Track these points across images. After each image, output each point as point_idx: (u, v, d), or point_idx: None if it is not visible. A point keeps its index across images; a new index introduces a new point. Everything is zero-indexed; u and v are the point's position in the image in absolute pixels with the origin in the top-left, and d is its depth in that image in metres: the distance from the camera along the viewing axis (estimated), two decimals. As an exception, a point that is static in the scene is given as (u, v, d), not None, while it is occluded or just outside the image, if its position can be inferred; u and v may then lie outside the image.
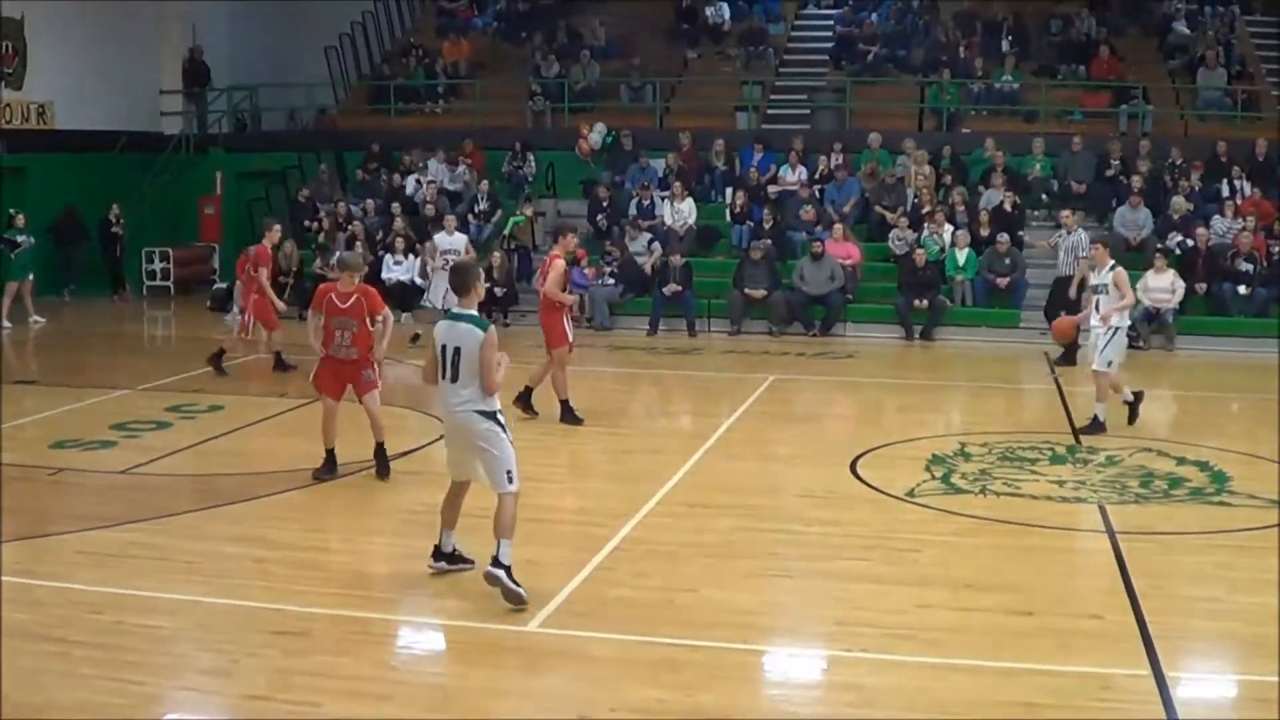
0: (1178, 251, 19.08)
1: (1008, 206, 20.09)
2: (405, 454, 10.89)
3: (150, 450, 11.41)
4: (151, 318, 22.30)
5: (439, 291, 18.58)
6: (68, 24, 22.86)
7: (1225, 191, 20.21)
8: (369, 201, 22.26)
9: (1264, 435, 12.14)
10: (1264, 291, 18.48)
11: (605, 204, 21.67)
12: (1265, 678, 6.46)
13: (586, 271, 20.18)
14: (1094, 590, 7.92)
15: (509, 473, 7.44)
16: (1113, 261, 12.49)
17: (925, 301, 19.06)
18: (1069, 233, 17.89)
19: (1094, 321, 12.39)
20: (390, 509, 9.64)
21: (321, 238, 21.46)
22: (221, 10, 27.16)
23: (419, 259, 20.10)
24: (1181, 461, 11.19)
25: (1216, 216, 19.66)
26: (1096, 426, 12.27)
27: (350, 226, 21.30)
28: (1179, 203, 19.81)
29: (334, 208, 22.04)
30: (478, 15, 28.17)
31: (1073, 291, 15.41)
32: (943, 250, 19.66)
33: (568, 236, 12.99)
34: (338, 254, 20.61)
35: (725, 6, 26.33)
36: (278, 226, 16.36)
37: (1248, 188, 20.16)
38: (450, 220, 19.54)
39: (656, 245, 20.44)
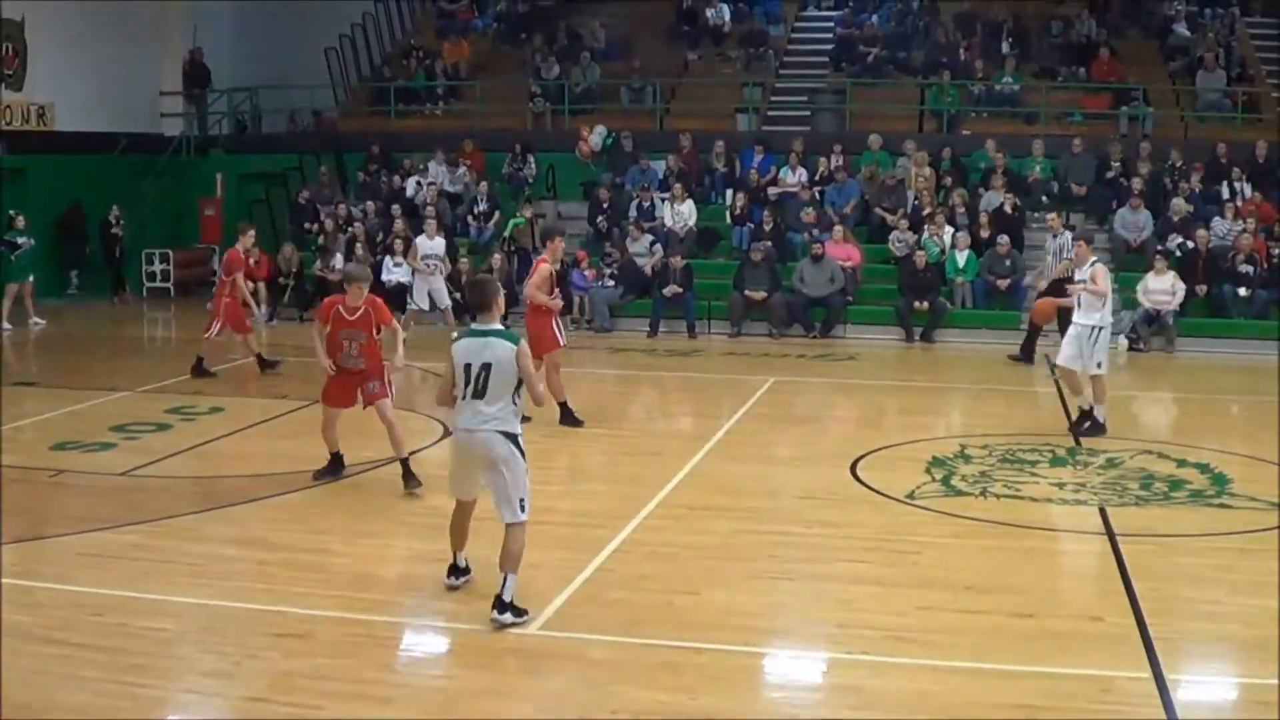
0: (1178, 253, 19.09)
1: (1008, 208, 20.10)
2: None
3: (151, 452, 11.41)
4: (152, 319, 22.30)
5: (422, 292, 18.66)
6: (68, 26, 22.85)
7: (1225, 193, 20.23)
8: (369, 203, 22.26)
9: (1264, 438, 12.13)
10: (1264, 293, 18.49)
11: (605, 206, 21.68)
12: (1266, 680, 6.46)
13: (586, 273, 20.20)
14: (1094, 592, 7.92)
15: (522, 500, 7.20)
16: (1094, 259, 12.44)
17: (925, 303, 19.07)
18: (1055, 236, 17.89)
19: (1075, 318, 12.34)
20: (391, 511, 9.64)
21: (321, 240, 21.46)
22: (222, 12, 27.20)
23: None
24: (1182, 464, 11.19)
25: (1217, 218, 19.67)
26: (1096, 428, 12.27)
27: (351, 228, 21.32)
28: (1179, 205, 19.83)
29: (334, 209, 22.05)
30: (478, 17, 28.17)
31: (1041, 283, 15.56)
32: (943, 252, 19.67)
33: (556, 240, 12.95)
34: (340, 263, 20.69)
35: (725, 8, 26.34)
36: (251, 230, 16.36)
37: (1248, 190, 20.18)
38: (431, 224, 19.65)
39: (658, 247, 20.45)
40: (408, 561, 8.42)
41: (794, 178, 21.76)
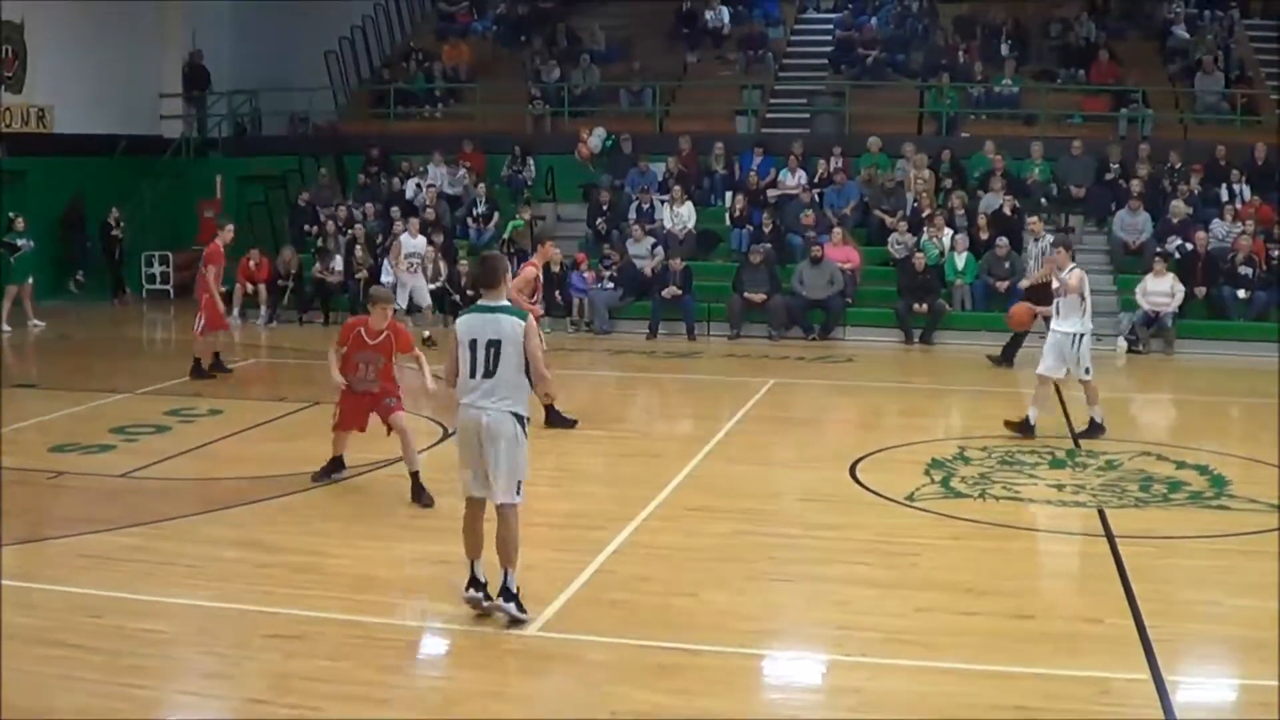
0: (1177, 255, 19.10)
1: (1007, 210, 20.10)
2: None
3: (150, 454, 11.41)
4: (151, 321, 22.30)
5: (403, 293, 18.63)
6: (68, 28, 22.87)
7: (1224, 195, 20.24)
8: (369, 205, 22.27)
9: (1263, 439, 12.14)
10: (1263, 295, 18.50)
11: (605, 208, 21.69)
12: (1265, 682, 6.46)
13: (586, 275, 20.21)
14: (1093, 594, 7.91)
15: (519, 483, 7.13)
16: (1073, 264, 12.30)
17: (925, 305, 19.08)
18: (1036, 239, 17.89)
19: (1054, 325, 12.30)
20: (391, 513, 9.63)
21: (321, 242, 21.47)
22: (222, 14, 27.20)
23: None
24: (1181, 465, 11.19)
25: (1216, 220, 19.68)
26: (1095, 429, 12.27)
27: (350, 231, 21.33)
28: (1178, 207, 19.83)
29: (334, 212, 22.07)
30: (477, 19, 28.17)
31: (1024, 283, 15.64)
32: (942, 254, 19.68)
33: (547, 245, 12.90)
34: (340, 265, 20.71)
35: (725, 10, 26.35)
36: (230, 226, 16.27)
37: (1247, 192, 20.20)
38: (414, 223, 19.68)
39: (660, 250, 20.45)
40: (407, 563, 8.42)
41: (793, 180, 21.77)
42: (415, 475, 9.81)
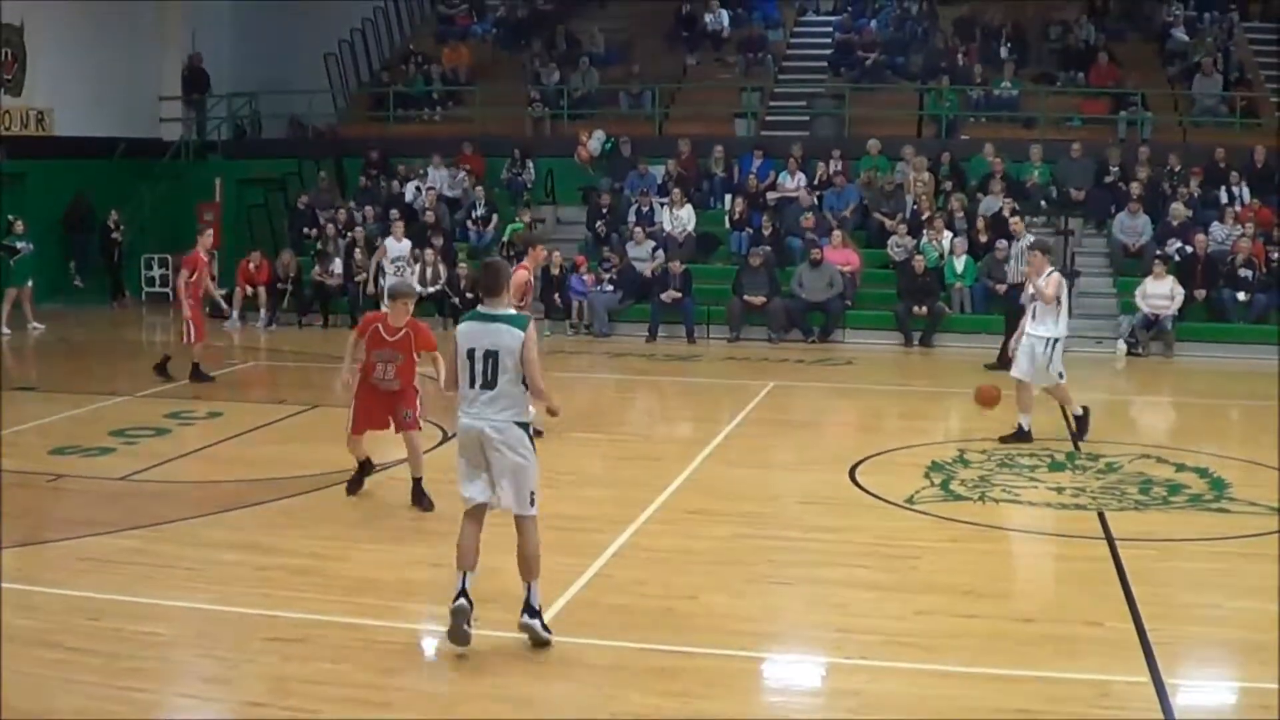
0: (1177, 258, 19.11)
1: (1006, 213, 20.08)
2: (404, 460, 10.87)
3: (149, 457, 11.42)
4: (150, 324, 22.28)
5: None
6: (67, 30, 22.89)
7: (1224, 198, 20.25)
8: (369, 208, 22.27)
9: (1263, 442, 12.14)
10: (1263, 298, 18.51)
11: (604, 211, 21.70)
12: (1265, 684, 6.45)
13: (585, 278, 20.21)
14: (1093, 597, 7.91)
15: (532, 494, 6.92)
16: (1050, 268, 12.18)
17: (924, 308, 19.08)
18: (1018, 239, 17.86)
19: (1029, 329, 12.26)
20: (390, 516, 9.62)
21: (320, 245, 21.48)
22: (221, 17, 27.22)
23: (417, 265, 20.17)
24: (1181, 468, 11.19)
25: (1215, 223, 19.69)
26: (1083, 421, 12.24)
27: (350, 233, 21.34)
28: (1178, 209, 19.85)
29: (334, 214, 22.08)
30: (477, 22, 28.20)
31: (1024, 298, 15.42)
32: (941, 257, 19.69)
33: (537, 248, 12.85)
34: (339, 268, 20.69)
35: (724, 13, 26.37)
36: (210, 232, 16.20)
37: (1246, 194, 20.21)
38: (399, 227, 19.64)
39: (660, 253, 20.46)
40: (406, 566, 8.41)
41: (793, 182, 21.78)
42: (418, 481, 9.73)
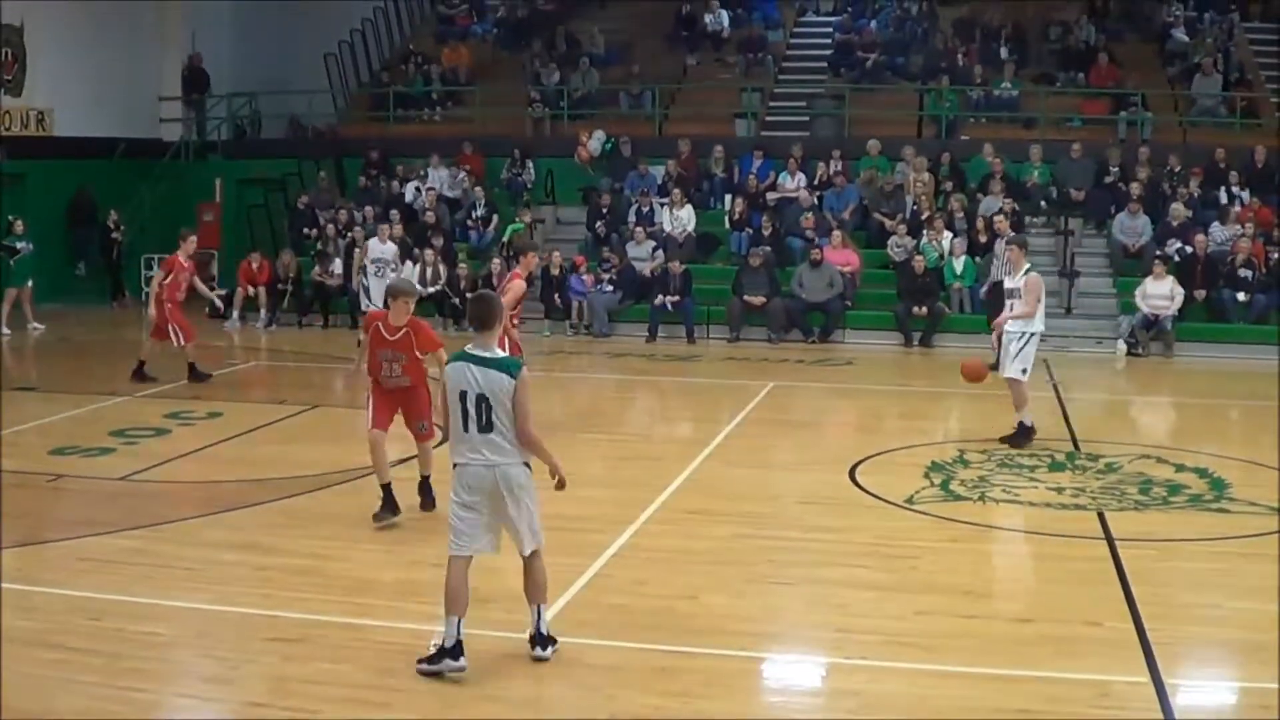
0: (1176, 258, 19.11)
1: (995, 214, 20.09)
2: (403, 460, 10.87)
3: (149, 457, 11.42)
4: (150, 324, 22.22)
5: (379, 294, 18.50)
6: (67, 30, 22.89)
7: (1224, 198, 20.26)
8: (368, 208, 22.27)
9: (1263, 442, 12.15)
10: (1263, 298, 18.51)
11: (604, 211, 21.70)
12: (1265, 684, 6.45)
13: (585, 278, 20.21)
14: (1093, 597, 7.91)
15: (536, 528, 6.75)
16: (1028, 265, 12.17)
17: (924, 308, 19.08)
18: (1002, 238, 17.89)
19: (1007, 325, 12.25)
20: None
21: (320, 245, 21.48)
22: (221, 17, 27.22)
23: (417, 266, 20.17)
24: (1180, 468, 11.19)
25: (1215, 223, 19.69)
26: (1023, 433, 12.00)
27: (350, 233, 21.33)
28: (1178, 210, 19.85)
29: (334, 215, 22.08)
30: (477, 22, 28.20)
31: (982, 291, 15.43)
32: (941, 257, 19.69)
33: (529, 256, 12.80)
34: (339, 268, 20.68)
35: (724, 14, 26.37)
36: (193, 238, 16.05)
37: (1246, 195, 20.22)
38: (384, 229, 19.62)
39: (660, 253, 20.46)
40: (406, 566, 8.41)
41: (793, 183, 21.78)
42: (425, 478, 9.68)
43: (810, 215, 20.75)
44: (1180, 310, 18.39)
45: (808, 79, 25.47)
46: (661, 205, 21.59)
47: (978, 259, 19.53)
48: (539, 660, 6.77)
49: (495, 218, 22.02)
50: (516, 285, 12.21)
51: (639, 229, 20.83)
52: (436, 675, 6.52)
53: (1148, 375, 17.64)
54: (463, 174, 23.09)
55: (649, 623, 7.38)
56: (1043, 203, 21.03)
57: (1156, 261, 18.61)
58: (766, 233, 20.54)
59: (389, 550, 8.83)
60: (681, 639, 7.12)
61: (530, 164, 23.32)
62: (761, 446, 12.45)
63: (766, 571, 8.43)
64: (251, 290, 21.10)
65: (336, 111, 26.81)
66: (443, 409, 6.83)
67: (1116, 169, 21.06)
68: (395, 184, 23.15)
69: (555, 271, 20.10)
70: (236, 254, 22.25)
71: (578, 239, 21.89)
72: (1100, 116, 23.06)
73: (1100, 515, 9.72)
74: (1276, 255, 19.06)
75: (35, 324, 19.87)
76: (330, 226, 21.74)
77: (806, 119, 24.30)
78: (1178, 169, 20.84)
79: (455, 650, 6.54)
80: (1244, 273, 18.66)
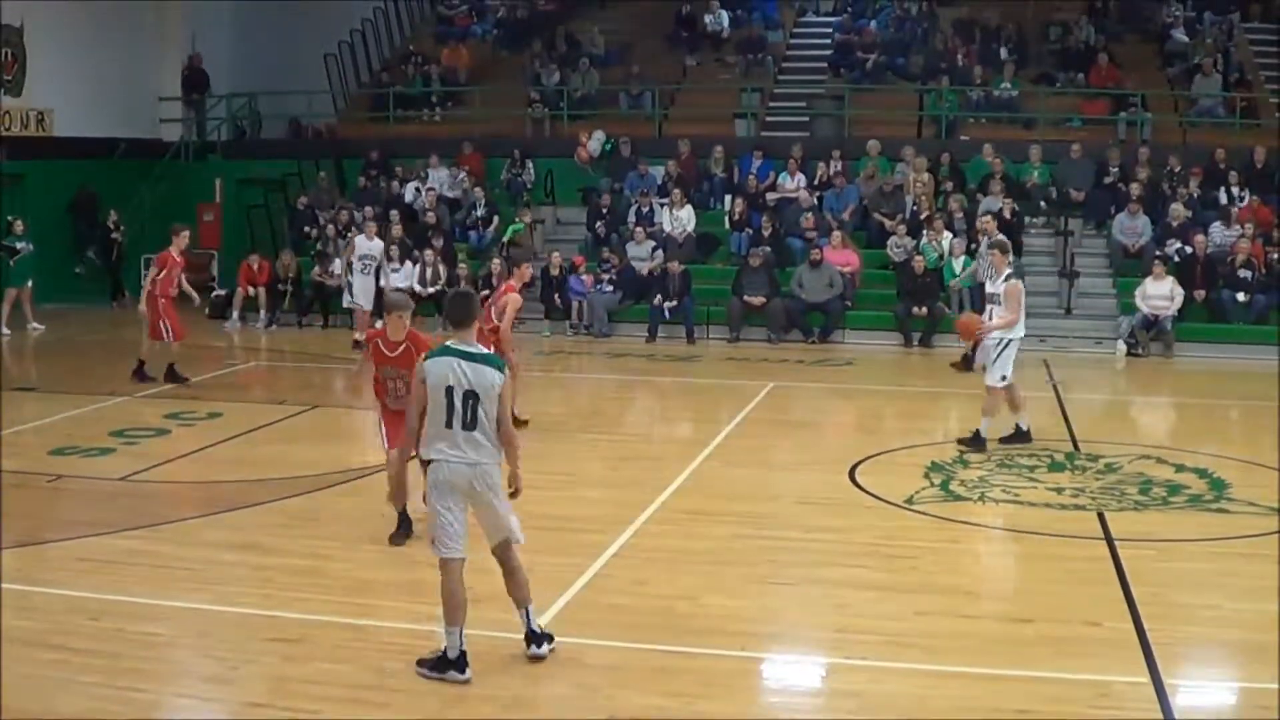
0: (1176, 259, 19.11)
1: (1006, 214, 20.08)
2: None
3: (149, 457, 11.42)
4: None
5: (362, 291, 18.45)
6: (67, 31, 22.88)
7: (1224, 199, 20.25)
8: (368, 209, 22.24)
9: (1263, 442, 12.15)
10: (1263, 298, 18.50)
11: (604, 211, 21.70)
12: (1265, 685, 6.46)
13: (585, 278, 20.21)
14: (1093, 597, 7.91)
15: (516, 523, 6.71)
16: (1009, 270, 12.00)
17: (924, 309, 19.08)
18: (989, 239, 17.82)
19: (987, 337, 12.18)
20: (390, 516, 9.57)
21: (320, 245, 21.47)
22: (221, 17, 27.21)
23: (417, 266, 20.17)
24: (1180, 469, 11.19)
25: (1215, 224, 19.69)
26: (977, 442, 11.82)
27: (349, 234, 21.32)
28: (1178, 210, 19.84)
29: (334, 215, 22.08)
30: (477, 23, 28.18)
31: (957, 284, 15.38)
32: (941, 257, 19.66)
33: (523, 267, 12.75)
34: (339, 268, 20.65)
35: (724, 14, 26.34)
36: (185, 232, 15.98)
37: (1246, 195, 20.21)
38: (371, 226, 19.59)
39: (660, 253, 20.46)
40: (406, 567, 8.41)
41: (793, 183, 21.78)
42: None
43: (810, 215, 20.75)
44: (1180, 310, 18.38)
45: (808, 79, 25.47)
46: (661, 205, 21.59)
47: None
48: (537, 658, 6.78)
49: (495, 218, 22.01)
50: (515, 299, 12.13)
51: (639, 229, 20.83)
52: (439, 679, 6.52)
53: (1148, 375, 17.64)
54: (463, 174, 23.09)
55: (648, 623, 7.38)
56: (1043, 203, 21.02)
57: (1156, 262, 18.61)
58: (766, 233, 20.53)
59: (389, 550, 8.83)
60: (681, 639, 7.13)
61: (530, 164, 23.31)
62: (761, 447, 12.46)
63: (766, 572, 8.43)
64: (251, 290, 21.10)
65: (336, 112, 26.81)
66: (415, 404, 6.67)
67: (1116, 169, 21.06)
68: (395, 184, 23.14)
69: (555, 272, 20.10)
70: (236, 254, 22.24)
71: (578, 239, 21.89)
72: (1100, 117, 23.05)
73: (1100, 515, 9.72)
74: (1276, 255, 19.05)
75: (35, 324, 19.86)
76: (330, 227, 21.73)
77: (806, 119, 24.29)
78: (1177, 169, 20.83)
79: (460, 662, 6.50)
80: (1244, 273, 18.65)
